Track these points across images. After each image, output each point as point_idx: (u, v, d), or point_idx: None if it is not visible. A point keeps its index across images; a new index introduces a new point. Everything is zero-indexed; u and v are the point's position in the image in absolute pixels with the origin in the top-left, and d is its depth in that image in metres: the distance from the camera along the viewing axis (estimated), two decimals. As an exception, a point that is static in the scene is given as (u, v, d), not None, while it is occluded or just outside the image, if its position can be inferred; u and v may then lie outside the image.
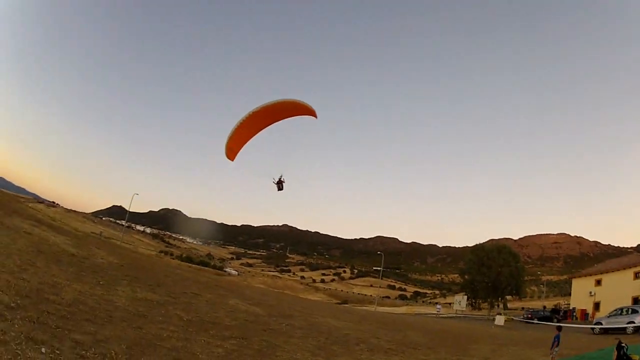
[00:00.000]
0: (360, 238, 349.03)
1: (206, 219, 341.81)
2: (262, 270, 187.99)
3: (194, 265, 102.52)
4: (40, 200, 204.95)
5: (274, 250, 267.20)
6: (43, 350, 7.61)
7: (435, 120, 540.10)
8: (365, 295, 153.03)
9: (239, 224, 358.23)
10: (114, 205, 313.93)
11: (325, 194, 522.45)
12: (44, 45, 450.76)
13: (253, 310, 21.08)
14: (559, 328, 19.75)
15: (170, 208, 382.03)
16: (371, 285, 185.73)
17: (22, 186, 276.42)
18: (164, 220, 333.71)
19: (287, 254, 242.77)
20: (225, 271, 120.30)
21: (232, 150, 17.83)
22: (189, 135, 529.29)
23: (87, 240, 33.70)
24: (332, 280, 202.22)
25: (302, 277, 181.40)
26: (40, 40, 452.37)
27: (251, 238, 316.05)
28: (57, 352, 7.76)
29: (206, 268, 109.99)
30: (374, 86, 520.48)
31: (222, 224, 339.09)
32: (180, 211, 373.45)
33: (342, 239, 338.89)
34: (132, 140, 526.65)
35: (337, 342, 17.65)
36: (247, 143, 18.06)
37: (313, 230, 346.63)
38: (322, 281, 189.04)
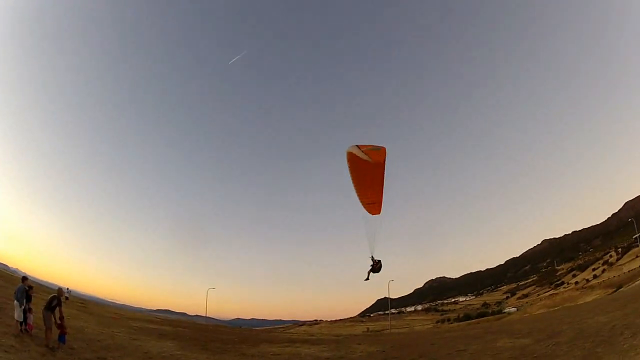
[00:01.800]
0: (612, 214, 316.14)
1: (471, 272, 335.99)
2: (538, 295, 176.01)
3: (464, 322, 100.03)
4: (301, 324, 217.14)
5: (543, 270, 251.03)
6: None
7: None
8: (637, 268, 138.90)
9: (502, 262, 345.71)
10: (378, 300, 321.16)
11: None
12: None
13: (520, 344, 19.74)
14: None
15: (434, 277, 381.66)
16: (637, 256, 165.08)
17: (279, 318, 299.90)
18: (432, 292, 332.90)
19: (556, 267, 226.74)
20: (504, 312, 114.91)
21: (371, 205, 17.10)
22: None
23: (347, 341, 34.31)
24: (603, 270, 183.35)
25: (576, 283, 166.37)
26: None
27: (518, 269, 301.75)
28: None
29: (485, 317, 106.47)
30: None
31: (487, 269, 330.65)
32: (444, 277, 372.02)
33: (597, 225, 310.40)
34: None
35: (603, 341, 15.60)
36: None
37: (570, 232, 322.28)
38: (595, 277, 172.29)
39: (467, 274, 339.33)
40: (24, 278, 19.51)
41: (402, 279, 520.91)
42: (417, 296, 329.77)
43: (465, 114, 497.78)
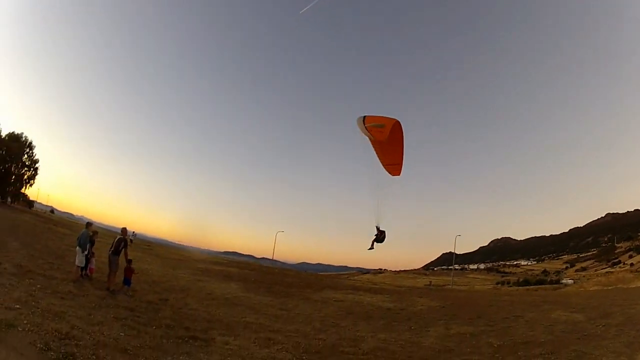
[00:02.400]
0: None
1: (535, 236, 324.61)
2: (595, 270, 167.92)
3: (522, 287, 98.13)
4: (365, 272, 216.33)
5: (603, 246, 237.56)
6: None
7: None
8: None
9: (566, 229, 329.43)
10: (443, 254, 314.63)
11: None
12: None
13: (573, 319, 19.67)
14: None
15: (500, 237, 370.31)
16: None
17: (344, 264, 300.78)
18: (496, 252, 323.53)
19: (615, 244, 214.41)
20: (561, 283, 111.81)
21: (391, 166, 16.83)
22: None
23: (409, 293, 34.48)
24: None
25: (631, 264, 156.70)
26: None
27: (581, 240, 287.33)
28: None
29: (543, 285, 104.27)
30: None
31: (550, 235, 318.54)
32: (509, 237, 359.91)
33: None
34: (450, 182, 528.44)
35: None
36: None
37: (633, 209, 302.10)
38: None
39: (532, 237, 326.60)
40: (88, 224, 19.58)
41: (469, 235, 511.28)
42: (482, 254, 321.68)
43: (537, 79, 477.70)
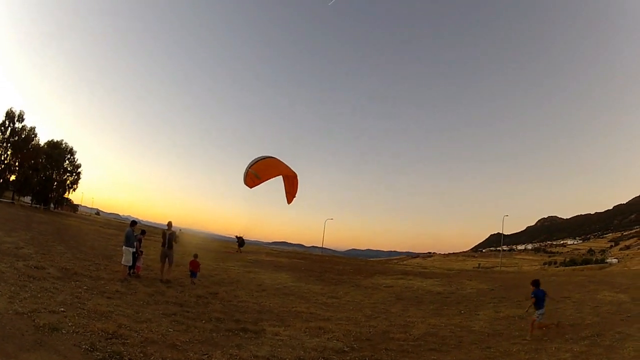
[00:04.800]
0: None
1: (581, 214, 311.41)
2: (639, 248, 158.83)
3: (569, 268, 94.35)
4: (414, 256, 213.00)
5: None
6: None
7: None
8: None
9: (610, 207, 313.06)
10: (491, 235, 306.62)
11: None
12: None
13: (618, 299, 18.35)
14: None
15: (546, 216, 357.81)
16: None
17: (393, 249, 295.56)
18: (543, 231, 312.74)
19: None
20: (606, 262, 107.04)
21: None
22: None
23: (458, 276, 33.41)
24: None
25: None
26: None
27: (624, 217, 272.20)
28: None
29: (589, 265, 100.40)
30: None
31: (595, 213, 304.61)
32: (556, 216, 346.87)
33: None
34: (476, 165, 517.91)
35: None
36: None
37: None
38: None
39: (577, 215, 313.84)
40: (133, 222, 18.81)
41: (516, 215, 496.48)
42: (529, 234, 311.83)
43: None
